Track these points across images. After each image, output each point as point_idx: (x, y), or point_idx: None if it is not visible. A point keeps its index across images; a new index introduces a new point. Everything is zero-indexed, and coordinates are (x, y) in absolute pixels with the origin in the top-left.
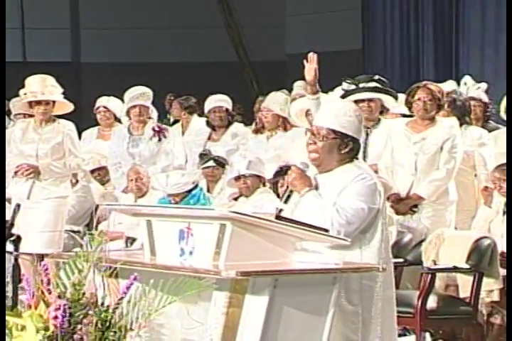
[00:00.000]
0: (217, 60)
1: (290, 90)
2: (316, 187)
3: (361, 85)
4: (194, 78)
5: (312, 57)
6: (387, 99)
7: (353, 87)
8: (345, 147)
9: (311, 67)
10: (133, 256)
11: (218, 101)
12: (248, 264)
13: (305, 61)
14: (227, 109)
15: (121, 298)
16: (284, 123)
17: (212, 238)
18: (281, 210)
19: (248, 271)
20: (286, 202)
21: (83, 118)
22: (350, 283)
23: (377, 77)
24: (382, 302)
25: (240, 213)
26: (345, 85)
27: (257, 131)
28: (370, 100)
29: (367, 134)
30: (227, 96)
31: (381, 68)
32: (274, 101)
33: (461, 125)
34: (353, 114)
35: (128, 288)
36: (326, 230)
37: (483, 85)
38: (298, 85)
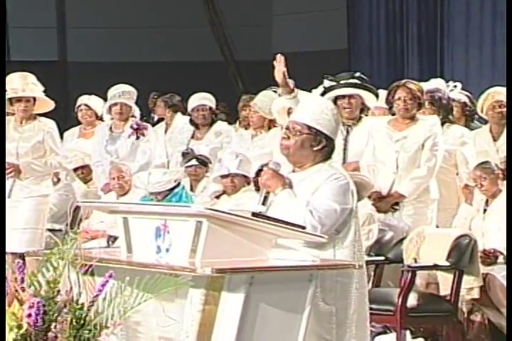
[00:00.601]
0: (202, 60)
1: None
2: (290, 186)
3: (342, 82)
4: (179, 77)
5: (280, 58)
6: (367, 97)
7: (334, 83)
8: (318, 144)
9: (279, 68)
10: (110, 254)
11: (202, 99)
12: (224, 261)
13: (274, 62)
14: (210, 108)
15: (97, 296)
16: (269, 125)
17: (189, 235)
18: (259, 213)
19: (224, 268)
20: (264, 203)
21: (69, 118)
22: (325, 282)
23: (358, 74)
24: (356, 302)
25: (216, 210)
26: (326, 83)
27: (241, 127)
28: (350, 97)
29: (347, 132)
30: (211, 94)
31: (367, 67)
32: (261, 103)
33: (444, 123)
34: (329, 113)
35: (103, 285)
36: (303, 227)
37: (458, 85)
38: None
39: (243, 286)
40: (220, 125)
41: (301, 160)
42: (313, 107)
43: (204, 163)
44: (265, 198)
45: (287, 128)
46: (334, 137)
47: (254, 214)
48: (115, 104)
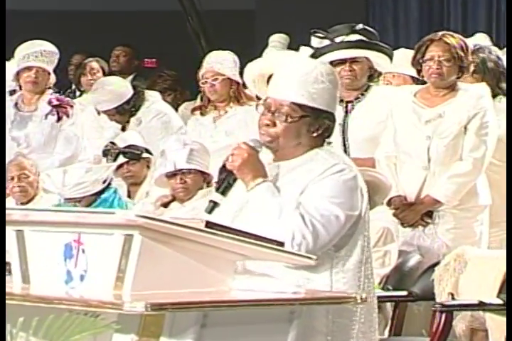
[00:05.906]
0: (150, 8)
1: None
2: (273, 180)
3: (338, 40)
4: (114, 33)
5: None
6: (377, 59)
7: (327, 42)
8: (318, 128)
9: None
10: None
11: (103, 102)
12: (165, 294)
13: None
14: (117, 107)
15: None
16: (237, 95)
17: (113, 255)
18: (216, 204)
19: (164, 302)
20: (224, 193)
21: None
22: (314, 322)
23: (360, 26)
24: None
25: (153, 218)
26: (314, 41)
27: (196, 110)
28: (352, 61)
29: (346, 112)
30: (161, 57)
31: (392, 18)
32: (220, 62)
33: (494, 96)
34: (325, 78)
35: None
36: (281, 243)
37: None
38: (275, 40)
39: (192, 329)
40: (154, 101)
41: (292, 152)
42: (301, 75)
43: (136, 155)
44: (228, 185)
45: (269, 109)
46: (335, 110)
47: (209, 224)
48: (28, 69)
